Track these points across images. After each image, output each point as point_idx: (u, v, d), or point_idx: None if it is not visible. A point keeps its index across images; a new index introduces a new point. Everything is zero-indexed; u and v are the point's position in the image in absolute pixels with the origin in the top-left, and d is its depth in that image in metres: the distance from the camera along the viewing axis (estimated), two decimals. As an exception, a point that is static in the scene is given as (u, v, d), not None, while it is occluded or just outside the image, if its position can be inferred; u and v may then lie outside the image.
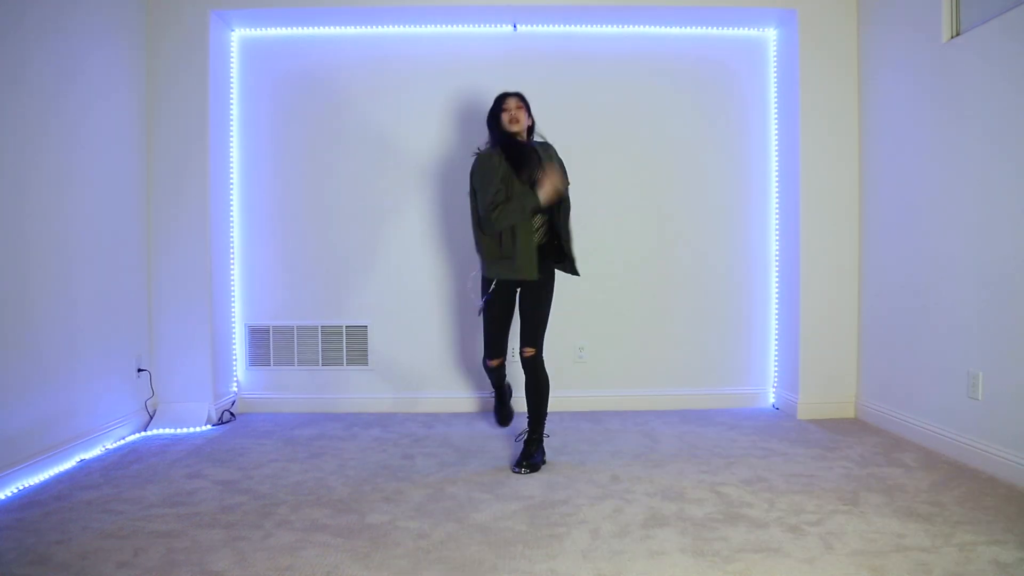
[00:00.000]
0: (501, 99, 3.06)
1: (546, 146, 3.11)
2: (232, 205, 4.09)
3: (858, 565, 2.04)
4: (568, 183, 3.03)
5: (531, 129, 3.09)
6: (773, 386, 4.18)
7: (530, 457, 2.97)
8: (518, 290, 3.07)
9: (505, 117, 3.01)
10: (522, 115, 3.01)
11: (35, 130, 2.91)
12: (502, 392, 3.37)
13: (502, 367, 3.25)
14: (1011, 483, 2.72)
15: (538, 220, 2.99)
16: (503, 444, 3.35)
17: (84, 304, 3.23)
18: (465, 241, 4.01)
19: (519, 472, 2.91)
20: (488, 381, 3.46)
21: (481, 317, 3.15)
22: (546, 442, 3.38)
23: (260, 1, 3.78)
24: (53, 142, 3.02)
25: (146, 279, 3.77)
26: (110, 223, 3.44)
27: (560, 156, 3.11)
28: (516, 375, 3.33)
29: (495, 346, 3.18)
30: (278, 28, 4.05)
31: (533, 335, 3.05)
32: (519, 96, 3.07)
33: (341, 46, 4.09)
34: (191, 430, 3.65)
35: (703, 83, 4.13)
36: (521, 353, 3.05)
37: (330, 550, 2.16)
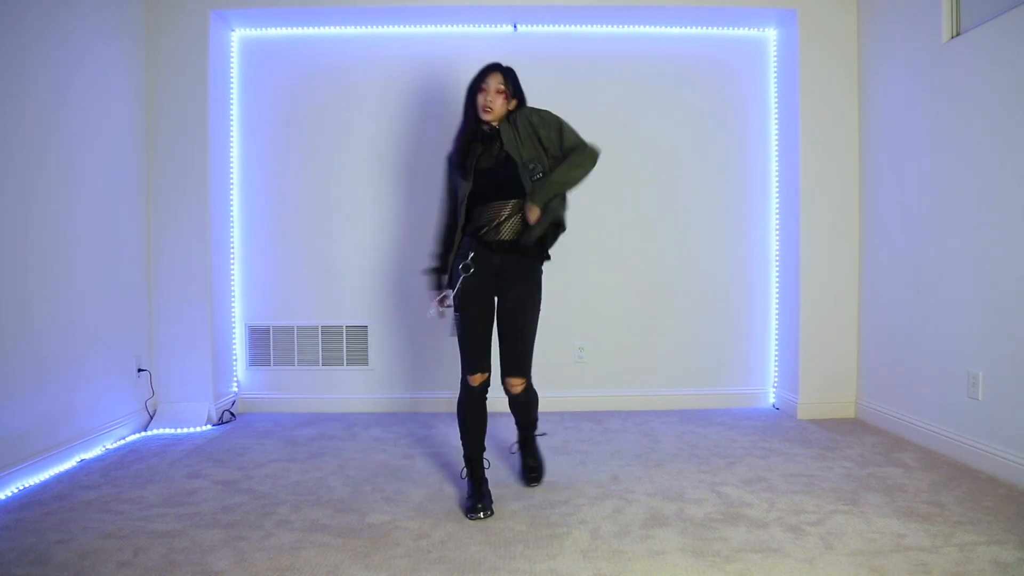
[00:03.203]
0: (483, 73, 2.55)
1: (524, 116, 2.56)
2: (232, 205, 4.09)
3: (858, 565, 2.04)
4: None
5: (518, 107, 2.60)
6: (773, 386, 4.18)
7: (537, 467, 2.77)
8: (495, 296, 2.58)
9: (480, 99, 2.53)
10: (499, 101, 2.51)
11: (35, 130, 2.91)
12: (478, 467, 2.59)
13: (483, 395, 2.58)
14: (1011, 483, 2.72)
15: (495, 211, 2.53)
16: (503, 444, 3.35)
17: (84, 304, 3.23)
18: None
19: (534, 486, 2.71)
20: (461, 440, 2.62)
21: (454, 324, 2.56)
22: (546, 442, 3.38)
23: (260, 1, 3.79)
24: (53, 142, 3.02)
25: (146, 279, 3.77)
26: (110, 223, 3.44)
27: (550, 113, 2.60)
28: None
29: (475, 353, 2.52)
30: (278, 28, 4.05)
31: (516, 358, 2.52)
32: (504, 74, 2.55)
33: (341, 46, 4.09)
34: (191, 430, 3.65)
35: (703, 83, 4.13)
36: (506, 386, 2.58)
37: (330, 550, 2.16)
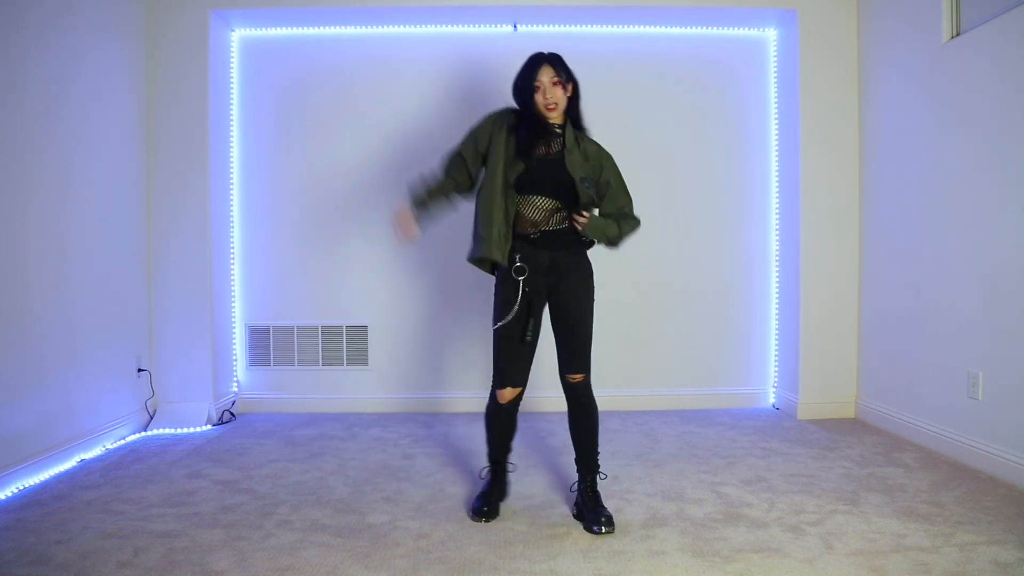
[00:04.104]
0: (531, 70, 2.35)
1: (587, 139, 2.47)
2: (232, 205, 4.09)
3: (858, 565, 2.04)
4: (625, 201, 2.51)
5: (574, 101, 2.42)
6: (773, 386, 4.18)
7: (603, 508, 2.35)
8: (547, 298, 2.43)
9: (539, 99, 2.33)
10: (559, 93, 2.33)
11: (35, 130, 2.91)
12: (500, 470, 2.55)
13: (514, 410, 2.47)
14: (1011, 483, 2.72)
15: (546, 203, 2.38)
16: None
17: (84, 304, 3.22)
18: (465, 242, 4.00)
19: (599, 532, 2.27)
20: (487, 444, 2.57)
21: (498, 325, 2.37)
22: (547, 441, 3.39)
23: (260, 1, 3.79)
24: (53, 142, 3.02)
25: (146, 279, 3.77)
26: (110, 223, 3.44)
27: (611, 159, 2.51)
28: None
29: (514, 366, 2.39)
30: (278, 28, 4.05)
31: (581, 353, 2.39)
32: (552, 64, 2.34)
33: (341, 46, 4.09)
34: (191, 430, 3.65)
35: (703, 83, 4.12)
36: (566, 380, 2.42)
37: (330, 550, 2.16)
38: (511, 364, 2.40)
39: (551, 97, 2.34)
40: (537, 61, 2.38)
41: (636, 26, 4.06)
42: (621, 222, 2.46)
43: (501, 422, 2.50)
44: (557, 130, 2.40)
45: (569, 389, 2.44)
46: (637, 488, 2.72)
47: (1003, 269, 2.83)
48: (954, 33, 3.14)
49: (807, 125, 3.83)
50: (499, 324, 2.37)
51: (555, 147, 2.40)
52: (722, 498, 2.61)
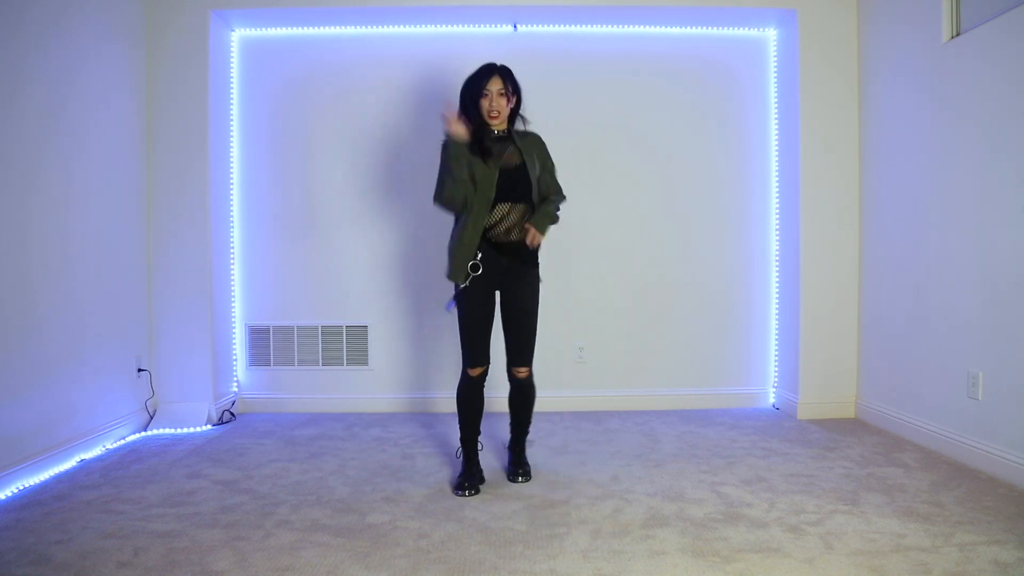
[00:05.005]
0: (482, 78, 2.61)
1: (526, 135, 2.74)
2: (232, 205, 4.09)
3: (858, 565, 2.04)
4: (552, 166, 2.79)
5: (515, 112, 2.70)
6: (773, 386, 4.18)
7: (524, 464, 2.86)
8: (497, 291, 2.75)
9: (484, 104, 2.60)
10: (503, 104, 2.61)
11: (35, 131, 2.91)
12: (472, 449, 2.80)
13: (481, 383, 2.76)
14: (1011, 483, 2.72)
15: (505, 211, 2.65)
16: (502, 444, 3.35)
17: (84, 304, 3.23)
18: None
19: (519, 482, 2.78)
20: (459, 425, 2.81)
21: (454, 314, 2.74)
22: (547, 441, 3.40)
23: (260, 1, 3.79)
24: (53, 143, 3.02)
25: (146, 279, 3.77)
26: (110, 223, 3.44)
27: (545, 144, 2.80)
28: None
29: (477, 348, 2.69)
30: (278, 28, 4.05)
31: (523, 350, 2.75)
32: (503, 77, 2.61)
33: (341, 46, 4.09)
34: (191, 430, 3.65)
35: (703, 83, 4.13)
36: (511, 374, 2.78)
37: (330, 550, 2.16)
38: (474, 346, 2.70)
39: (496, 106, 2.61)
40: (489, 71, 2.63)
41: (636, 26, 4.06)
42: (555, 201, 2.78)
43: (472, 393, 2.76)
44: (499, 134, 2.68)
45: (514, 381, 2.79)
46: (637, 488, 2.73)
47: (1003, 269, 2.83)
48: (954, 33, 3.14)
49: (807, 125, 3.83)
50: (449, 309, 2.73)
51: (515, 158, 2.67)
52: (722, 498, 2.61)
